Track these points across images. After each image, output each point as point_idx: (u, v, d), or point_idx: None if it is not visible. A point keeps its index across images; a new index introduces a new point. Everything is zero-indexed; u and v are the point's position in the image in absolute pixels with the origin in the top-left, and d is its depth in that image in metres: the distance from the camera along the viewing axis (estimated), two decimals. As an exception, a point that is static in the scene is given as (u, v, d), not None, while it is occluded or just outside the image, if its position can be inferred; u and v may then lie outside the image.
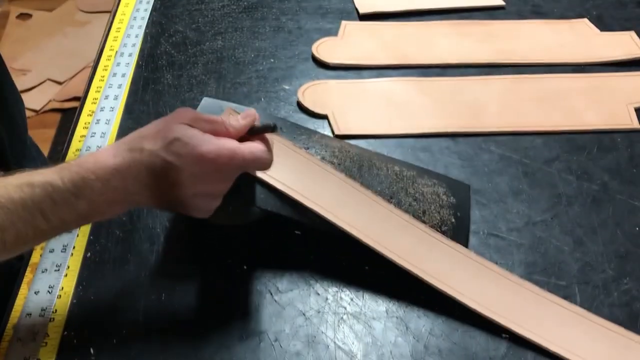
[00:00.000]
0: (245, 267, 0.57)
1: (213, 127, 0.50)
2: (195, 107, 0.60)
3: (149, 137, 0.48)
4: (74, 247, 0.59)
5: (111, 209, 0.48)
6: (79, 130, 0.73)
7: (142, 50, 0.85)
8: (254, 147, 0.50)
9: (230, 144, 0.49)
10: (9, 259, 0.45)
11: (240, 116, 0.52)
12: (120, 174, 0.47)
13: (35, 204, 0.44)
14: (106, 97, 0.77)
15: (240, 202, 0.57)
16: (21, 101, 0.77)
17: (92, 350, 0.51)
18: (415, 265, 0.54)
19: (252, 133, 0.52)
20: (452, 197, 0.62)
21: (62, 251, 0.59)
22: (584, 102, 0.76)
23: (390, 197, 0.59)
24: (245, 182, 0.56)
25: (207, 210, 0.52)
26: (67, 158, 0.69)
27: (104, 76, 0.81)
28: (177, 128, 0.48)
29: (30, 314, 0.54)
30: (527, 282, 0.55)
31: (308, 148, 0.61)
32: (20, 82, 1.86)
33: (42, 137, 1.65)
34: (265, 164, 0.52)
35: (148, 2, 0.96)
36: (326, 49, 0.85)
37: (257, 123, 0.52)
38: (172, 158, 0.47)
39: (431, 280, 0.54)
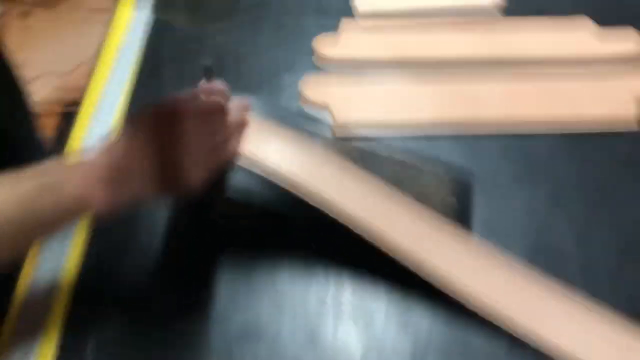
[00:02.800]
0: (245, 265, 0.57)
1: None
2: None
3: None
4: (74, 247, 0.59)
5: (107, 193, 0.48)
6: (79, 130, 0.73)
7: (142, 49, 0.85)
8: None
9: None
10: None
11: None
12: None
13: (28, 197, 0.44)
14: (106, 97, 0.77)
15: (240, 202, 0.57)
16: (29, 100, 0.77)
17: (92, 350, 0.51)
18: (420, 254, 0.54)
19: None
20: (453, 195, 0.62)
21: (62, 250, 0.59)
22: (585, 101, 0.76)
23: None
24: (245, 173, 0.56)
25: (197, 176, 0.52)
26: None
27: (104, 76, 0.81)
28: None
29: (31, 314, 0.54)
30: (531, 270, 0.55)
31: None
32: (20, 82, 1.85)
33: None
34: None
35: (148, 1, 0.96)
36: (326, 47, 0.85)
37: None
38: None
39: (437, 270, 0.53)
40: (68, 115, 0.74)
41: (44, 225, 0.46)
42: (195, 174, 0.52)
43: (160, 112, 0.50)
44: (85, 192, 0.46)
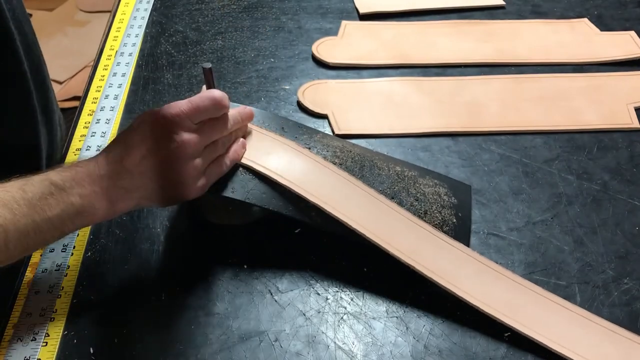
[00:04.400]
0: (245, 266, 0.57)
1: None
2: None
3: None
4: (74, 247, 0.59)
5: (107, 206, 0.49)
6: (79, 130, 0.73)
7: (142, 49, 0.85)
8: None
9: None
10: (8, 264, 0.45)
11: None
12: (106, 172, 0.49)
13: (35, 199, 0.45)
14: (106, 97, 0.77)
15: (240, 202, 0.57)
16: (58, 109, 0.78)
17: (92, 350, 0.51)
18: (421, 264, 0.54)
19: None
20: (453, 198, 0.62)
21: (62, 251, 0.59)
22: (584, 102, 0.76)
23: (392, 197, 0.59)
24: (245, 181, 0.56)
25: (201, 181, 0.53)
26: (67, 157, 0.69)
27: (104, 76, 0.81)
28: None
29: (31, 314, 0.54)
30: (529, 282, 0.55)
31: (310, 147, 0.61)
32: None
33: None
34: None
35: (148, 2, 0.96)
36: (326, 48, 0.85)
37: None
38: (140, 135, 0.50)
39: (437, 279, 0.53)
40: (68, 114, 0.73)
41: (49, 230, 0.46)
42: (197, 183, 0.53)
43: (164, 122, 0.50)
44: (89, 203, 0.48)
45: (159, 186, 0.51)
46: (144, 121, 0.51)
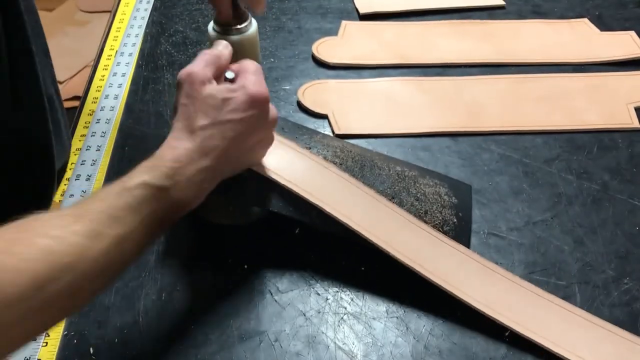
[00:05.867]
0: (245, 266, 0.57)
1: (217, 68, 0.52)
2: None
3: (193, 116, 0.48)
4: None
5: (202, 190, 0.49)
6: (80, 130, 0.73)
7: (142, 49, 0.85)
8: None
9: (258, 85, 0.50)
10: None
11: (220, 47, 0.55)
12: (201, 150, 0.47)
13: (138, 204, 0.43)
14: (106, 97, 0.77)
15: (240, 202, 0.57)
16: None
17: (92, 350, 0.51)
18: (421, 265, 0.54)
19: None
20: (453, 198, 0.62)
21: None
22: (584, 102, 0.76)
23: (392, 197, 0.59)
24: (246, 181, 0.56)
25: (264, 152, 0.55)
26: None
27: (104, 76, 0.81)
28: (207, 91, 0.49)
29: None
30: (529, 283, 0.55)
31: (310, 148, 0.61)
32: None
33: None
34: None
35: (148, 2, 0.96)
36: (326, 48, 0.85)
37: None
38: (233, 115, 0.49)
39: (437, 280, 0.53)
40: (69, 114, 0.73)
41: (154, 228, 0.45)
42: (259, 153, 0.54)
43: (257, 98, 0.50)
44: (188, 198, 0.47)
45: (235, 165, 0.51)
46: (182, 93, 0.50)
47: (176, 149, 0.47)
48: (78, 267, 0.39)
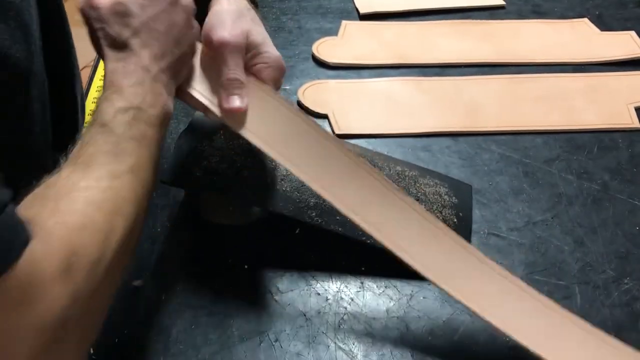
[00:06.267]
0: (245, 266, 0.57)
1: None
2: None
3: (112, 34, 0.46)
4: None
5: (168, 87, 0.47)
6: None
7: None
8: None
9: None
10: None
11: None
12: (139, 58, 0.45)
13: (129, 130, 0.43)
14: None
15: (240, 202, 0.57)
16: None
17: (92, 350, 0.51)
18: (413, 258, 0.50)
19: None
20: (454, 197, 0.62)
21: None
22: (584, 102, 0.76)
23: (391, 197, 0.59)
24: (246, 181, 0.56)
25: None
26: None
27: (104, 76, 0.81)
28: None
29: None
30: (530, 287, 0.51)
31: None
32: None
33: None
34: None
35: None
36: (326, 48, 0.85)
37: None
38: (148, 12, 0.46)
39: (432, 278, 0.50)
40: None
41: (152, 147, 0.44)
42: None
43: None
44: (162, 106, 0.45)
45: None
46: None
47: (119, 70, 0.45)
48: (120, 210, 0.39)
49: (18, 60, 0.47)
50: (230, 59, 0.49)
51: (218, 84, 0.50)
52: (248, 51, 0.50)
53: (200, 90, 0.50)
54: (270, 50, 0.52)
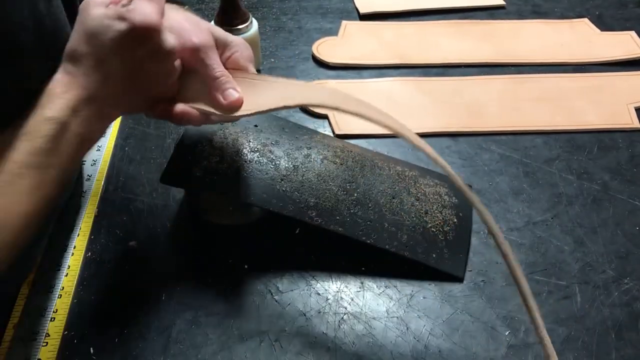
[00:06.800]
0: (245, 266, 0.57)
1: None
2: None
3: (76, 43, 0.45)
4: (74, 247, 0.59)
5: (102, 119, 0.47)
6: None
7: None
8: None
9: (149, 11, 0.44)
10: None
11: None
12: (85, 82, 0.45)
13: (50, 142, 0.42)
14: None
15: (240, 202, 0.57)
16: None
17: (92, 350, 0.51)
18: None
19: None
20: (454, 197, 0.62)
21: (62, 250, 0.59)
22: (584, 102, 0.76)
23: (393, 197, 0.59)
24: (246, 181, 0.56)
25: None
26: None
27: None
28: (93, 13, 0.44)
29: (31, 314, 0.54)
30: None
31: (310, 148, 0.61)
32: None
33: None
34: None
35: (148, 2, 0.96)
36: (326, 48, 0.85)
37: None
38: (115, 51, 0.44)
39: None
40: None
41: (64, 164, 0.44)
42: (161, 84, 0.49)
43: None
44: (86, 130, 0.45)
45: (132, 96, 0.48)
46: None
47: (60, 81, 0.44)
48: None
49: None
50: (209, 60, 0.50)
51: (206, 90, 0.50)
52: (218, 47, 0.51)
53: (196, 105, 0.50)
54: (230, 37, 0.53)
